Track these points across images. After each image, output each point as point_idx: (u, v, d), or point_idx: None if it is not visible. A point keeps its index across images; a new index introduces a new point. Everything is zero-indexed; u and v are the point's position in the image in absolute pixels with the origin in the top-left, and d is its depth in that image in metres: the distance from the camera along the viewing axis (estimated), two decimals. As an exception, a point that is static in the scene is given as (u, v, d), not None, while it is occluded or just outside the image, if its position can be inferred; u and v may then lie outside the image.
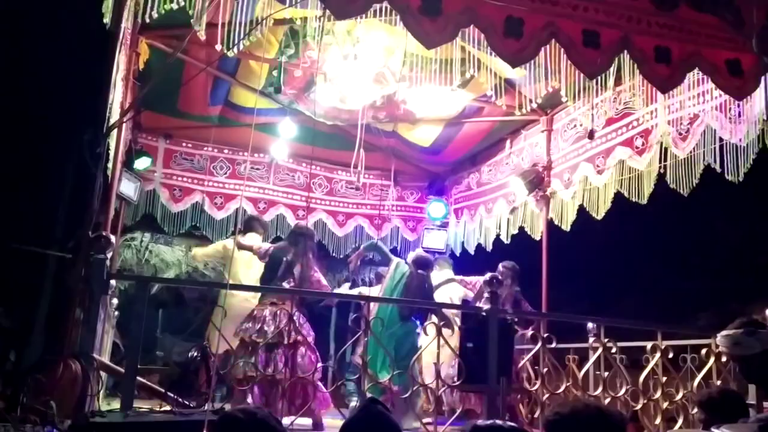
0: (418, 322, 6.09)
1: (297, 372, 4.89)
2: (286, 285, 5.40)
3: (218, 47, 4.56)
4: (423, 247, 8.46)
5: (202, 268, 8.88)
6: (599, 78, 4.20)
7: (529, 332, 5.31)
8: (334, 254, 8.52)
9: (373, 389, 4.81)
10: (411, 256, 6.51)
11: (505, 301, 5.91)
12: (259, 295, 5.55)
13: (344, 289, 7.73)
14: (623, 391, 4.61)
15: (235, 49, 4.57)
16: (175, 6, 4.10)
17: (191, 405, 4.02)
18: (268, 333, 4.98)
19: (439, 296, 6.68)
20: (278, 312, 5.12)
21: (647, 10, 3.97)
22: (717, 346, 4.60)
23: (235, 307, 5.57)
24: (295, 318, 4.78)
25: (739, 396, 3.47)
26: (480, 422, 2.27)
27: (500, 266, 6.49)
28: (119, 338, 5.62)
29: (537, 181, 6.64)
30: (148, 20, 4.27)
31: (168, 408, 3.72)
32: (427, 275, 6.27)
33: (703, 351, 4.68)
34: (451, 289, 6.92)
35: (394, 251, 8.64)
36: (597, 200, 6.10)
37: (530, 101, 5.71)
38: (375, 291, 6.33)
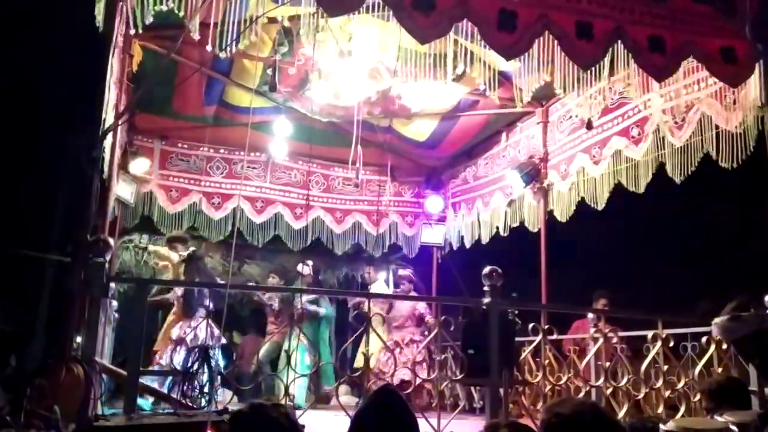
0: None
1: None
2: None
3: (209, 48, 4.54)
4: (421, 242, 8.48)
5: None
6: (594, 68, 4.19)
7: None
8: (330, 249, 8.49)
9: None
10: None
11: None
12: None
13: None
14: (625, 380, 4.62)
15: (229, 51, 4.54)
16: (164, 8, 4.08)
17: (194, 406, 4.03)
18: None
19: None
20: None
21: (640, 0, 3.97)
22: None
23: None
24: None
25: (743, 384, 3.48)
26: (495, 421, 2.21)
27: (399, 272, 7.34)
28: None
29: (534, 173, 6.64)
30: (146, 22, 4.25)
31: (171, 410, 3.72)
32: None
33: (704, 339, 4.68)
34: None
35: (394, 248, 8.68)
36: (594, 191, 6.09)
37: (525, 93, 5.69)
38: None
